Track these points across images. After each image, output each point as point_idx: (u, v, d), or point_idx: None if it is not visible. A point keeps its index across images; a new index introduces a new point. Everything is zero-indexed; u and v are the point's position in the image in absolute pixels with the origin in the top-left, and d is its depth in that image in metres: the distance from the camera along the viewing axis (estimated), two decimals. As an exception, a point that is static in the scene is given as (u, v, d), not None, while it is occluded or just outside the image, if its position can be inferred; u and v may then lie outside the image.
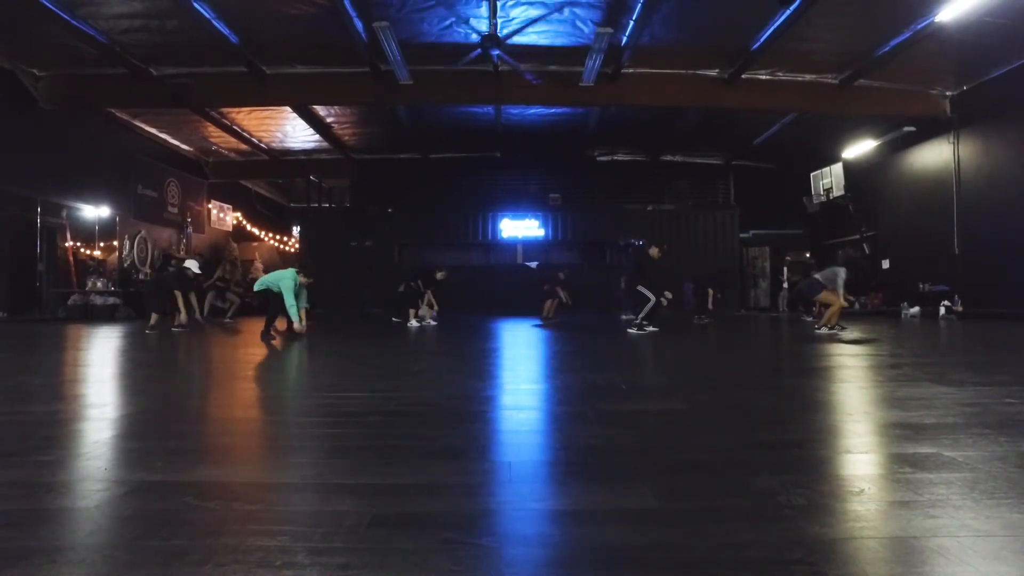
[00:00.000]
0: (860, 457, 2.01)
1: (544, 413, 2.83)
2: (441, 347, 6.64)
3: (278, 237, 20.56)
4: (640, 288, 8.34)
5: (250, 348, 6.28)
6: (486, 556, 1.24)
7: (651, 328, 8.05)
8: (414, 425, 2.52)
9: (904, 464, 1.86)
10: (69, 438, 2.36)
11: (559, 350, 6.09)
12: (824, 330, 7.18)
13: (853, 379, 3.93)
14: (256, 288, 7.60)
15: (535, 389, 3.53)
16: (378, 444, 2.17)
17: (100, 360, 5.29)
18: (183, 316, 9.08)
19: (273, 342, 6.68)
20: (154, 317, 8.78)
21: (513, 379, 4.01)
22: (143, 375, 4.37)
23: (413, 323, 10.58)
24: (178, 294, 9.06)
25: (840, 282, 7.19)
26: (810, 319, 12.47)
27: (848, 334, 7.26)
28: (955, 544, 1.27)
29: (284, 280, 7.48)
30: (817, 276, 7.41)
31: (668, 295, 8.44)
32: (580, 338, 7.71)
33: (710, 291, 11.57)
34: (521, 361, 5.11)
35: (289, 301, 7.36)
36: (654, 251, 8.60)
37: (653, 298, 8.20)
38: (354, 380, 3.94)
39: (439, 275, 11.12)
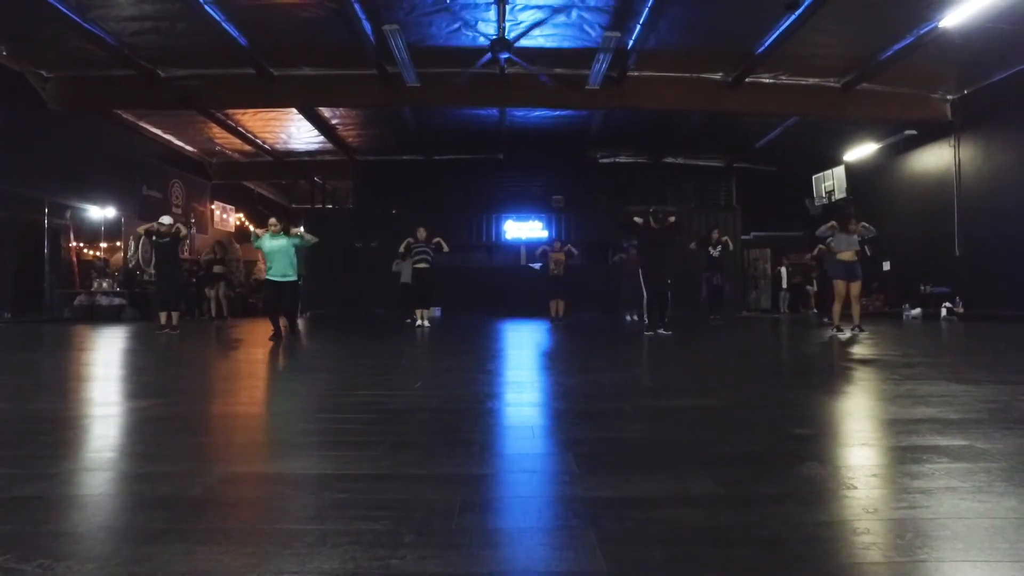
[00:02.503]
0: (897, 448, 2.11)
1: (582, 409, 2.92)
2: (458, 348, 6.73)
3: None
4: (640, 276, 8.15)
5: (265, 349, 6.35)
6: (581, 535, 1.34)
7: (663, 331, 8.02)
8: (463, 420, 2.62)
9: (942, 455, 1.97)
10: (137, 434, 2.45)
11: (577, 351, 6.19)
12: (857, 331, 7.35)
13: (872, 377, 4.05)
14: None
15: (566, 387, 3.63)
16: (437, 439, 2.27)
17: (124, 361, 5.37)
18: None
19: (284, 343, 6.75)
20: (163, 316, 8.82)
21: (542, 378, 4.11)
22: (174, 374, 4.45)
23: (420, 323, 10.65)
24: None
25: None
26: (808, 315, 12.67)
27: (859, 335, 7.40)
28: (1007, 524, 1.38)
29: (290, 247, 7.71)
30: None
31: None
32: (595, 340, 7.81)
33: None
34: (543, 361, 5.21)
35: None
36: (640, 221, 7.99)
37: (645, 294, 8.12)
38: (387, 379, 4.03)
39: (394, 267, 11.90)
